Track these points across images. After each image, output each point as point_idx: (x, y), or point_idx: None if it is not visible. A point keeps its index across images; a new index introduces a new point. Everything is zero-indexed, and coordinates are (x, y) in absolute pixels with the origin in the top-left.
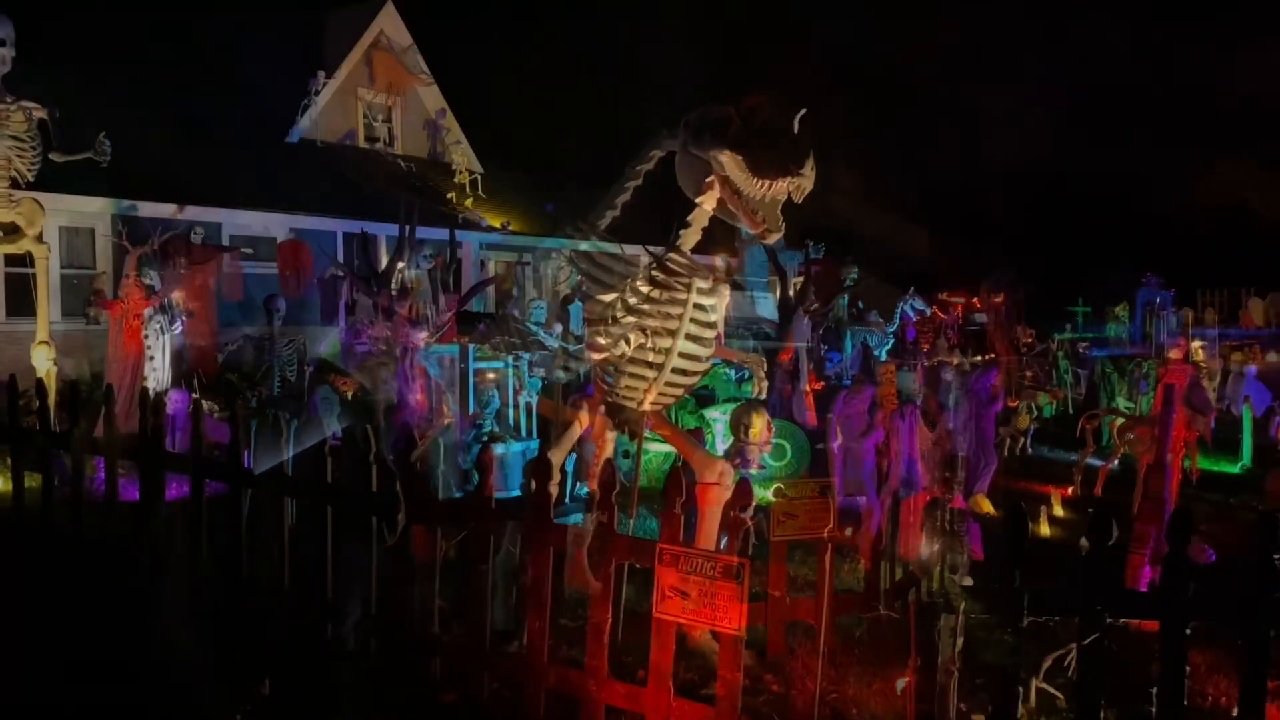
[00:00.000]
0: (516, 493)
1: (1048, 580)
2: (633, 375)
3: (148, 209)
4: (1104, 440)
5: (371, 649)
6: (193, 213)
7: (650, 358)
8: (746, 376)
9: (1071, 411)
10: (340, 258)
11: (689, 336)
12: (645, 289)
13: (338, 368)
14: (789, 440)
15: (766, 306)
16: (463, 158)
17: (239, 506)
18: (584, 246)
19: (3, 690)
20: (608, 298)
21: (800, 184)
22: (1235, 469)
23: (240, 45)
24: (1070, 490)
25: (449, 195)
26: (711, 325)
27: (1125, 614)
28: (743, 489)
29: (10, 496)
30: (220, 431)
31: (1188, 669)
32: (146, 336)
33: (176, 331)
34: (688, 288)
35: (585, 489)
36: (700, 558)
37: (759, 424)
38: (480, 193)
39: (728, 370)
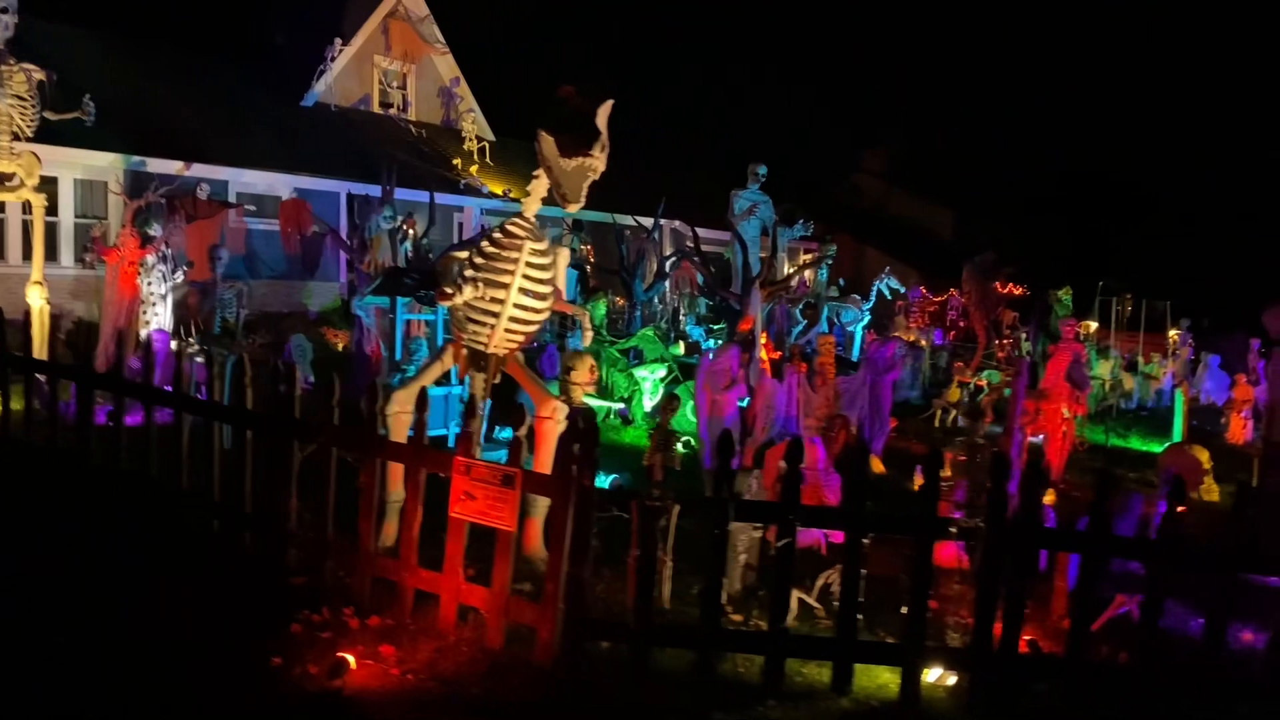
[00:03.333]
0: (441, 431)
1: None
2: (476, 322)
3: (156, 165)
4: None
5: (245, 541)
6: (200, 170)
7: (488, 307)
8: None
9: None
10: (343, 218)
11: (522, 290)
12: (487, 248)
13: (331, 320)
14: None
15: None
16: (473, 125)
17: (150, 420)
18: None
19: None
20: (461, 255)
21: (593, 164)
22: (1159, 449)
23: (262, 13)
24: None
25: (455, 161)
26: (546, 282)
27: (811, 524)
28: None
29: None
30: (200, 370)
31: (863, 570)
32: (150, 284)
33: (179, 279)
34: (520, 248)
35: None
36: (485, 468)
37: (581, 368)
38: (488, 160)
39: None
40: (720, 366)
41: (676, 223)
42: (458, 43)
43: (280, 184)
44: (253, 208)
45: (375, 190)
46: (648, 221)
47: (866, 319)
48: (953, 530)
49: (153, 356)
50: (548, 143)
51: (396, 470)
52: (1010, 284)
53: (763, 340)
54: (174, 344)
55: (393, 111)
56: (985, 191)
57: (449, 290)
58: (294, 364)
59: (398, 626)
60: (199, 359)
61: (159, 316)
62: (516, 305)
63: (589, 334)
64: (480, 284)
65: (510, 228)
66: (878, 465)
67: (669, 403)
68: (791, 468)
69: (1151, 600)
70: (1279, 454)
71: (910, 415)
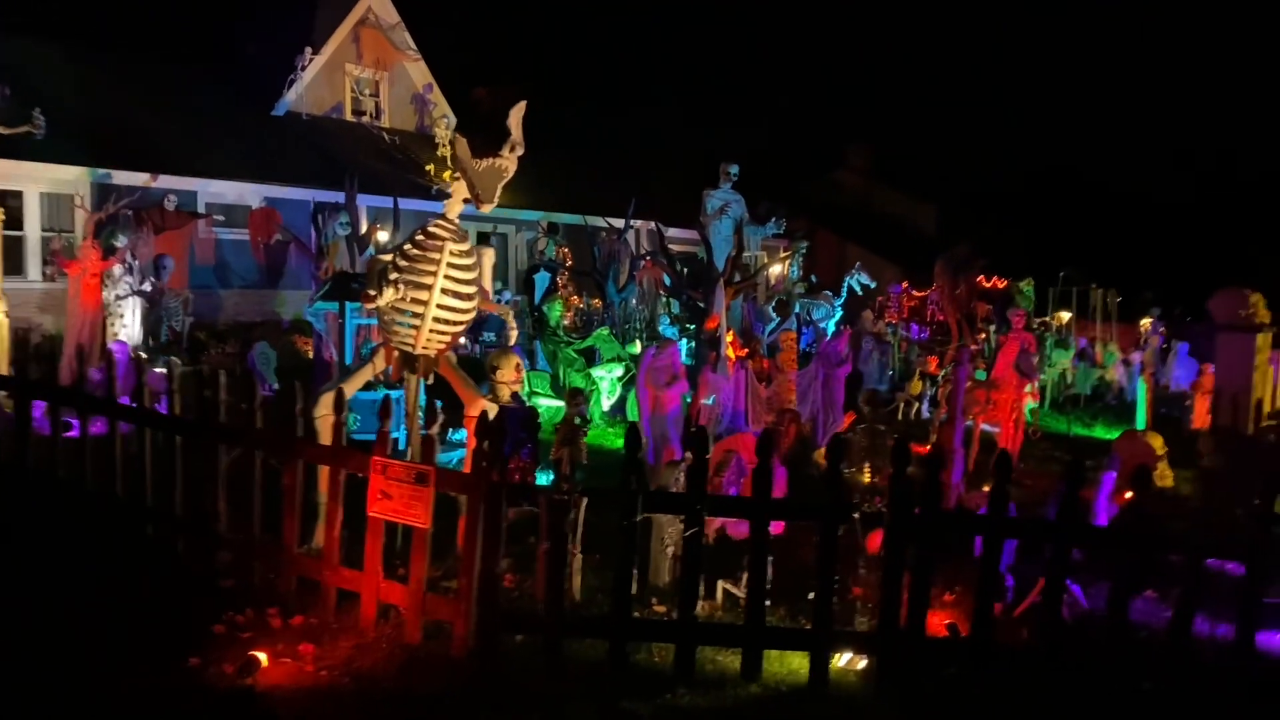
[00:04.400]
0: (396, 434)
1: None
2: (402, 323)
3: (122, 177)
4: None
5: (179, 546)
6: (168, 181)
7: (411, 308)
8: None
9: None
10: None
11: (445, 290)
12: (410, 250)
13: (303, 328)
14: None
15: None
16: (446, 132)
17: (84, 429)
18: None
19: None
20: (386, 257)
21: (503, 165)
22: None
23: (230, 24)
24: (927, 446)
25: (428, 168)
26: (470, 282)
27: (720, 514)
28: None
29: None
30: (156, 379)
31: (770, 558)
32: (122, 297)
33: (147, 290)
34: (441, 249)
35: (463, 433)
36: (400, 468)
37: (506, 366)
38: None
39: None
40: (662, 363)
41: (654, 224)
42: (430, 49)
43: (250, 194)
44: (221, 218)
45: (366, 200)
46: (621, 223)
47: (838, 315)
48: (855, 516)
49: (114, 368)
50: (461, 144)
51: (327, 472)
52: (995, 278)
53: (729, 338)
54: (143, 354)
55: (365, 119)
56: (969, 186)
57: (371, 292)
58: (254, 371)
59: (321, 625)
60: (159, 369)
61: (127, 328)
62: (440, 306)
63: (514, 333)
64: (401, 286)
65: (432, 229)
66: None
67: (573, 397)
68: (698, 459)
69: (1053, 580)
70: (1227, 437)
71: (874, 409)
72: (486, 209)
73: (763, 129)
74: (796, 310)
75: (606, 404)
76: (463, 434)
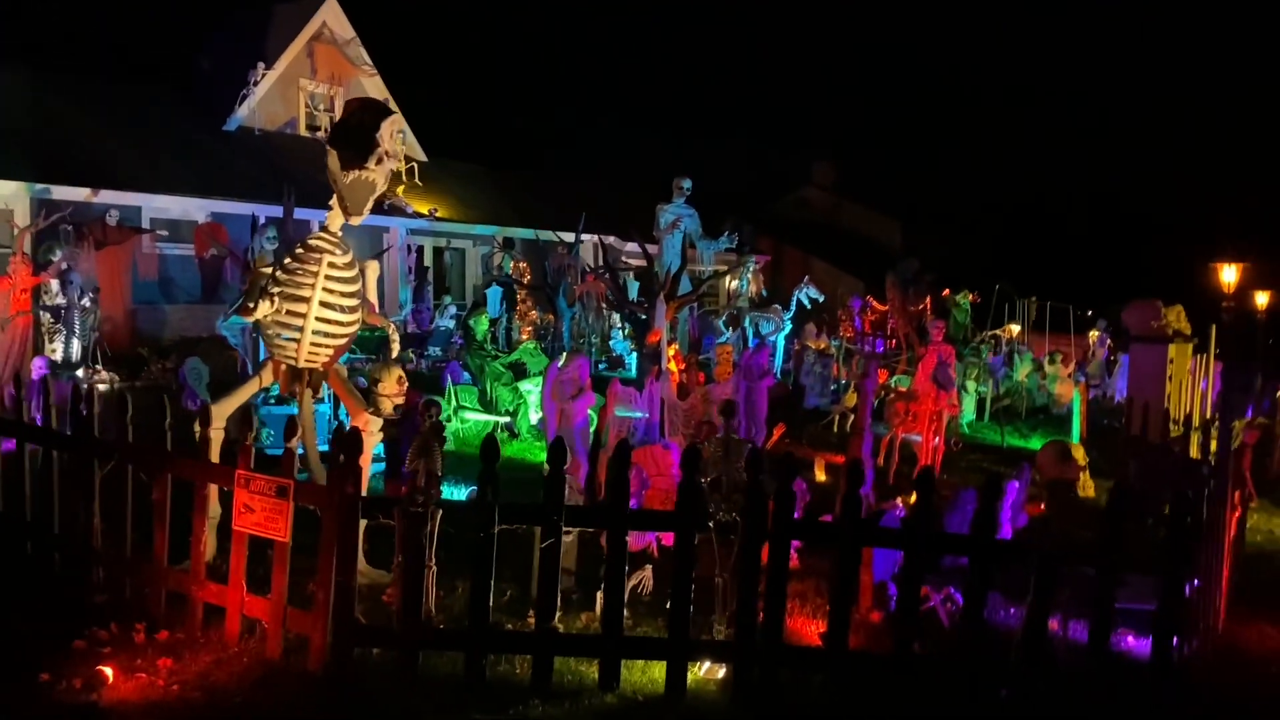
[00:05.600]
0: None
1: None
2: (280, 337)
3: (62, 192)
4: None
5: (55, 561)
6: (110, 196)
7: (290, 321)
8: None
9: None
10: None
11: (324, 303)
12: (289, 262)
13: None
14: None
15: (633, 291)
16: (401, 146)
17: None
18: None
19: None
20: (268, 270)
21: (368, 177)
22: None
23: (184, 41)
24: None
25: None
26: (351, 295)
27: (576, 524)
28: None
29: None
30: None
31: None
32: (66, 311)
33: (85, 305)
34: (319, 262)
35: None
36: (263, 481)
37: (388, 379)
38: (416, 180)
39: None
40: (568, 376)
41: (611, 238)
42: (387, 64)
43: (195, 209)
44: (164, 233)
45: (303, 213)
46: (572, 237)
47: (788, 329)
48: (710, 525)
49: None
50: (332, 157)
51: (211, 487)
52: (946, 290)
53: (671, 352)
54: (80, 371)
55: (320, 134)
56: (934, 202)
57: (250, 305)
58: (185, 387)
59: (188, 640)
60: (69, 383)
61: (65, 344)
62: (319, 319)
63: (396, 345)
64: (277, 298)
65: (311, 241)
66: None
67: (426, 409)
68: (554, 470)
69: (908, 584)
70: (1137, 446)
71: (815, 421)
72: (355, 222)
73: (730, 146)
74: (745, 324)
75: (535, 417)
76: (379, 448)
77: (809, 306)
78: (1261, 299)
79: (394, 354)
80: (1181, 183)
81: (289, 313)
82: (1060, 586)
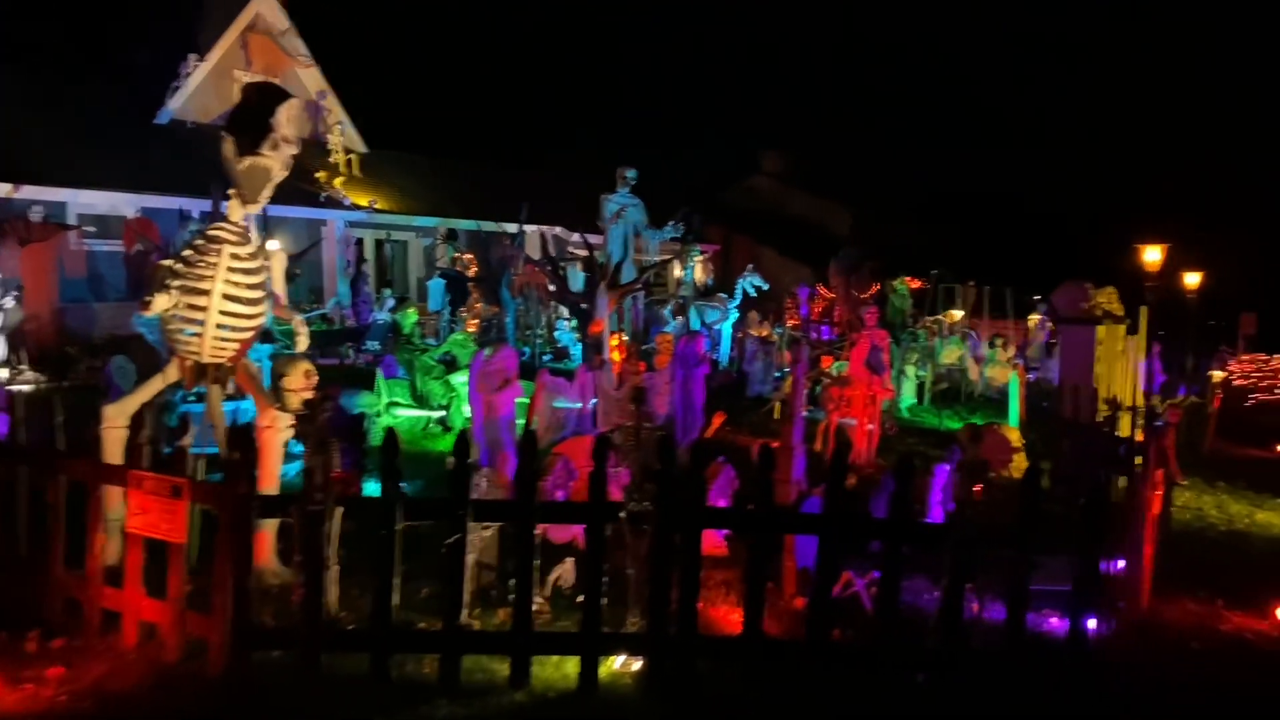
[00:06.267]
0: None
1: None
2: (183, 332)
3: None
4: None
5: None
6: (34, 191)
7: (191, 315)
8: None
9: None
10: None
11: (226, 295)
12: (187, 253)
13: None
14: (545, 400)
15: (578, 281)
16: (340, 138)
17: None
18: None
19: None
20: (168, 263)
21: (263, 163)
22: None
23: (113, 33)
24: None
25: (319, 175)
26: (256, 286)
27: (483, 519)
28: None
29: None
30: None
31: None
32: None
33: (8, 306)
34: (219, 253)
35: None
36: (155, 481)
37: (294, 374)
38: (356, 172)
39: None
40: (494, 368)
41: (558, 229)
42: (326, 55)
43: (124, 204)
44: (92, 229)
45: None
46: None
47: (734, 317)
48: (622, 515)
49: None
50: (227, 143)
51: (107, 488)
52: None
53: (614, 342)
54: (4, 372)
55: None
56: (883, 190)
57: (147, 299)
58: (111, 385)
59: (84, 647)
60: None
61: None
62: (221, 312)
63: (303, 339)
64: (175, 292)
65: (211, 232)
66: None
67: (321, 404)
68: (460, 463)
69: (823, 570)
70: (1069, 428)
71: (758, 409)
72: (252, 210)
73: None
74: (691, 313)
75: (468, 410)
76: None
77: (754, 295)
78: (1192, 279)
79: (301, 347)
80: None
81: (190, 306)
82: (986, 570)
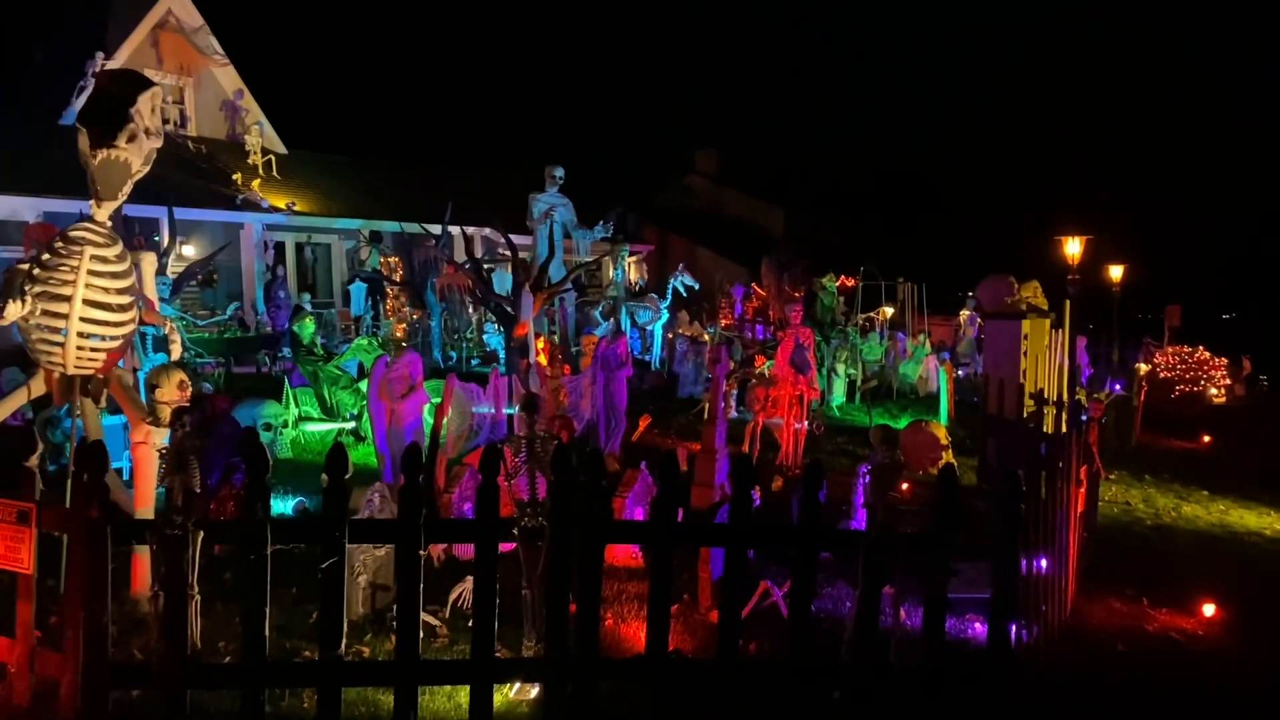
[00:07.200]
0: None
1: None
2: (45, 340)
3: None
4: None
5: None
6: None
7: (50, 322)
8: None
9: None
10: None
11: (90, 302)
12: (46, 257)
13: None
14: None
15: (504, 282)
16: (257, 139)
17: None
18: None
19: None
20: (24, 267)
21: (120, 156)
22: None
23: (14, 31)
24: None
25: (235, 177)
26: (123, 291)
27: (362, 540)
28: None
29: None
30: None
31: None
32: None
33: None
34: (80, 255)
35: None
36: (2, 506)
37: (168, 384)
38: (274, 173)
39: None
40: (397, 374)
41: (488, 230)
42: (242, 54)
43: (26, 208)
44: None
45: (137, 210)
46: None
47: (665, 318)
48: (515, 531)
49: None
50: (82, 136)
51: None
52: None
53: (540, 345)
54: None
55: (169, 127)
56: (816, 187)
57: None
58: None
59: None
60: None
61: None
62: (84, 319)
63: (176, 347)
64: (30, 299)
65: (72, 233)
66: (613, 464)
67: (175, 419)
68: (334, 480)
69: (728, 582)
70: (994, 423)
71: (689, 410)
72: (108, 207)
73: (613, 135)
74: (622, 314)
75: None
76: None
77: (685, 294)
78: (1116, 272)
79: (174, 355)
80: (1047, 160)
81: (48, 313)
82: (906, 576)
